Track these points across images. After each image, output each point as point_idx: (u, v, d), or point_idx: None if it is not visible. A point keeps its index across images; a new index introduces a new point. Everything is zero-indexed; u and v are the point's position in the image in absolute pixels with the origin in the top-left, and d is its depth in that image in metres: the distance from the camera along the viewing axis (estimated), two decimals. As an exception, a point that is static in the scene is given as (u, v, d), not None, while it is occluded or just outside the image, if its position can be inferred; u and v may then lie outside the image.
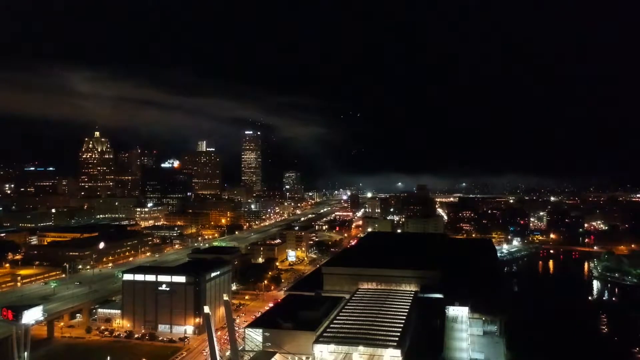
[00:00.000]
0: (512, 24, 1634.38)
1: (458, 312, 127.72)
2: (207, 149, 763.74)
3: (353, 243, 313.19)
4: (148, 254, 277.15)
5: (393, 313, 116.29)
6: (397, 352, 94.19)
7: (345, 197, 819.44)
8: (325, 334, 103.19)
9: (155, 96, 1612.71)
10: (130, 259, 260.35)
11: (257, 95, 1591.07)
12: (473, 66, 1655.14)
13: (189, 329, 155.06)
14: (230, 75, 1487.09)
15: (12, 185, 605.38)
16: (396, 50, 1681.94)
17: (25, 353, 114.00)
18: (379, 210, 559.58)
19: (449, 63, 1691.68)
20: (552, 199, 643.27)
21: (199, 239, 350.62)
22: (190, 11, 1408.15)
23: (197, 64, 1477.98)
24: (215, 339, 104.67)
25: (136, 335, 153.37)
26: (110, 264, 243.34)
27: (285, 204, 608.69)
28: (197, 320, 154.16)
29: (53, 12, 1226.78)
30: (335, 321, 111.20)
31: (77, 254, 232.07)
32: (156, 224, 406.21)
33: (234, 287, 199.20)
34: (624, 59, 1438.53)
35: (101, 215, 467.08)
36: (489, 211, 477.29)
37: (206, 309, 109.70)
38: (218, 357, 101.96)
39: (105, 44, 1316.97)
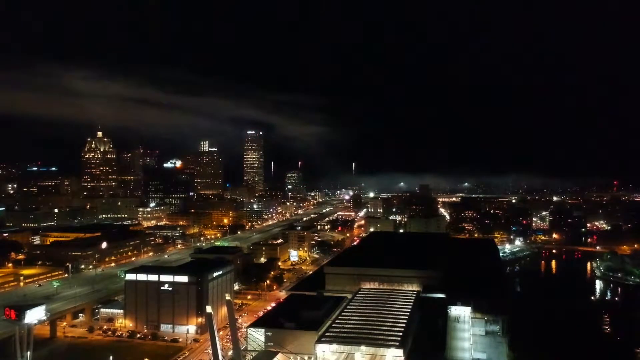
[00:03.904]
0: (512, 22, 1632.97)
1: (460, 312, 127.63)
2: (210, 149, 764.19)
3: (355, 243, 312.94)
4: (150, 253, 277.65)
5: (395, 313, 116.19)
6: (400, 352, 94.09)
7: (347, 197, 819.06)
8: (327, 334, 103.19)
9: (157, 96, 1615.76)
10: (133, 258, 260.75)
11: (259, 94, 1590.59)
12: (474, 65, 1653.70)
13: (191, 328, 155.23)
14: (231, 74, 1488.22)
15: (15, 185, 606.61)
16: (396, 49, 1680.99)
17: (28, 352, 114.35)
18: (381, 210, 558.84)
19: (449, 63, 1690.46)
20: (555, 198, 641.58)
21: (201, 238, 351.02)
22: (189, 10, 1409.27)
23: (197, 63, 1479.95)
24: (217, 338, 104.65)
25: (139, 335, 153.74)
26: (112, 264, 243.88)
27: (288, 203, 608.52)
28: (200, 320, 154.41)
29: (53, 11, 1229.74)
30: (337, 321, 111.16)
31: (79, 253, 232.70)
32: (158, 223, 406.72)
33: (236, 287, 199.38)
34: (625, 59, 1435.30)
35: (104, 215, 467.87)
36: (492, 211, 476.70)
37: (208, 309, 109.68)
38: (220, 357, 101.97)
39: (106, 44, 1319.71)
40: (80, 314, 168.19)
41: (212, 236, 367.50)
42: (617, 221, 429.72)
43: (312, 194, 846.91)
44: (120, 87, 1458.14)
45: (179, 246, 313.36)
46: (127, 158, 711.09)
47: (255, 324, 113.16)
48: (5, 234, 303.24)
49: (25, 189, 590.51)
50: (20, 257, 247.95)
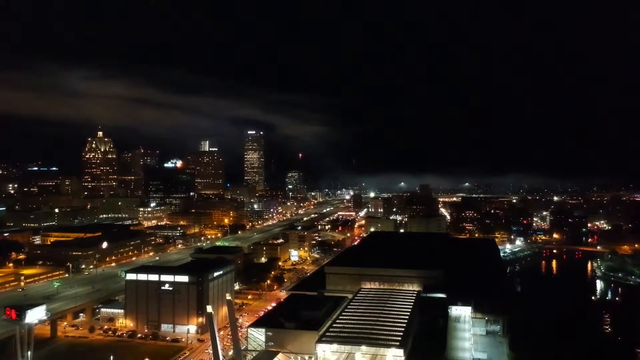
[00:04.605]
0: (513, 23, 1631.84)
1: (461, 312, 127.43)
2: (210, 149, 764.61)
3: (356, 243, 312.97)
4: (151, 253, 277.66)
5: (396, 313, 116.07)
6: (400, 352, 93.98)
7: (348, 197, 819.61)
8: (327, 334, 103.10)
9: (157, 96, 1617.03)
10: (133, 258, 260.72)
11: (259, 94, 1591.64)
12: (474, 66, 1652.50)
13: (191, 328, 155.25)
14: (232, 74, 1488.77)
15: (16, 185, 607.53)
16: (396, 50, 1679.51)
17: (29, 352, 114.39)
18: (381, 210, 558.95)
19: (449, 63, 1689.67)
20: (555, 198, 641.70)
21: (202, 238, 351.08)
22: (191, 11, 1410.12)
23: (197, 63, 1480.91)
24: (218, 338, 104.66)
25: (139, 335, 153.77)
26: (113, 264, 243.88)
27: (288, 203, 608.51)
28: (200, 319, 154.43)
29: (53, 12, 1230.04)
30: (337, 321, 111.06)
31: (80, 253, 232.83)
32: (159, 223, 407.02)
33: (236, 287, 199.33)
34: (625, 59, 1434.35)
35: (104, 215, 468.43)
36: (492, 211, 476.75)
37: (209, 309, 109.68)
38: (221, 357, 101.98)
39: (106, 44, 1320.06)
40: (81, 314, 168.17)
41: (213, 236, 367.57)
42: (617, 221, 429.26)
43: (313, 193, 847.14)
44: (120, 87, 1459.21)
45: (179, 246, 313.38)
46: (128, 158, 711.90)
47: (256, 324, 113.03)
48: (6, 234, 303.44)
49: (25, 189, 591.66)
50: (21, 257, 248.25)
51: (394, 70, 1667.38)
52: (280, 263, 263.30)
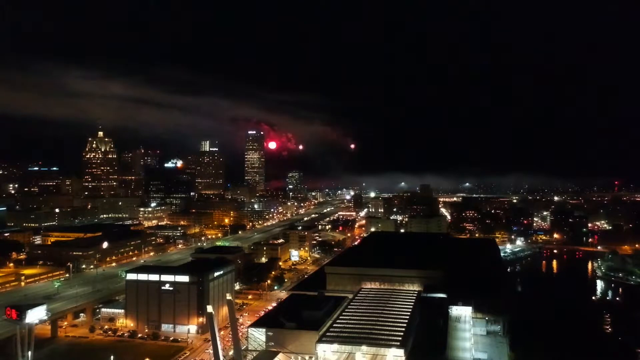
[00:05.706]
0: (513, 22, 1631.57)
1: (461, 312, 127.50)
2: (210, 149, 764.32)
3: (356, 243, 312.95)
4: (151, 253, 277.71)
5: (396, 313, 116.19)
6: (400, 352, 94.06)
7: (348, 197, 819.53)
8: (328, 334, 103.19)
9: (157, 96, 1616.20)
10: (134, 258, 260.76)
11: (259, 94, 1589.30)
12: (474, 66, 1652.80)
13: (192, 328, 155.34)
14: (232, 74, 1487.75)
15: (16, 185, 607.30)
16: (396, 49, 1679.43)
17: (29, 352, 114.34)
18: (382, 210, 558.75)
19: (449, 62, 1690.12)
20: (556, 198, 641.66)
21: (202, 238, 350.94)
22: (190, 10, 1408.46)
23: (197, 63, 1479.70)
24: (218, 338, 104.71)
25: (140, 335, 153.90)
26: (113, 264, 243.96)
27: (289, 203, 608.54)
28: (201, 319, 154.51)
29: (53, 11, 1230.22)
30: (338, 321, 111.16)
31: (80, 253, 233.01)
32: (159, 223, 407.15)
33: (237, 287, 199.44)
34: (625, 59, 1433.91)
35: (105, 215, 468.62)
36: (493, 211, 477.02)
37: (209, 309, 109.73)
38: (221, 357, 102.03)
39: (107, 44, 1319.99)
40: (81, 314, 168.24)
41: (213, 236, 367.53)
42: (618, 221, 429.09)
43: (313, 193, 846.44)
44: (120, 87, 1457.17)
45: (180, 246, 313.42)
46: (128, 158, 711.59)
47: (256, 324, 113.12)
48: (6, 234, 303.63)
49: (26, 189, 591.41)
50: (22, 256, 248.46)
51: (394, 70, 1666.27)
52: (280, 263, 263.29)
